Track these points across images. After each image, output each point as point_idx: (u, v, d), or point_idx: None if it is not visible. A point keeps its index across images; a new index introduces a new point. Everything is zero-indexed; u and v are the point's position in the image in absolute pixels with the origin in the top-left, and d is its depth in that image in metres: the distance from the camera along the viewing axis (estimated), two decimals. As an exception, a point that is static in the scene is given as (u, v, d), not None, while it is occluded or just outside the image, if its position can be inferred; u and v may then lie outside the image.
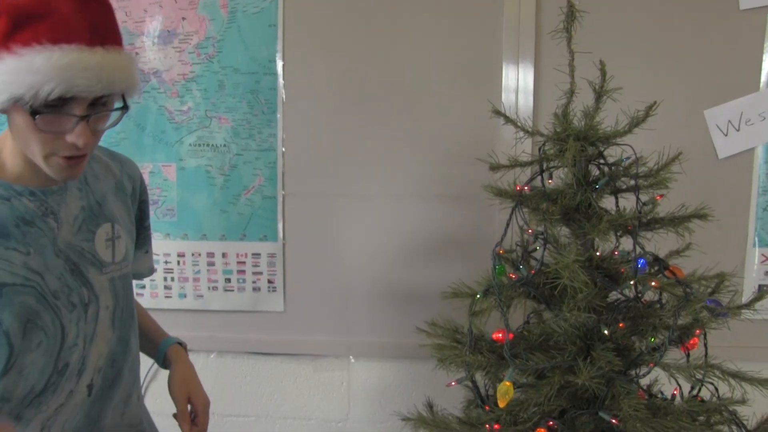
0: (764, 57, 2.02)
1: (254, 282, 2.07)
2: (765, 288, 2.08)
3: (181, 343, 1.46)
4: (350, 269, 2.05)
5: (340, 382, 2.14)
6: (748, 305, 1.31)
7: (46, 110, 1.00)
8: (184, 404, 1.33)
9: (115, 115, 1.10)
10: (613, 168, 1.31)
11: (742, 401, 1.40)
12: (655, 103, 1.30)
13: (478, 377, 1.44)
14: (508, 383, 1.26)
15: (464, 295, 1.38)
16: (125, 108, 1.09)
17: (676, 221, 1.33)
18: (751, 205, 2.07)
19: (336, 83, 2.00)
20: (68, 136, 1.03)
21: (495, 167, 1.39)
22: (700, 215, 1.32)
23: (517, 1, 1.93)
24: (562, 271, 1.20)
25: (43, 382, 1.14)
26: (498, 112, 1.38)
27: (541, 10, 1.93)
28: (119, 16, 1.98)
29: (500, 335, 1.36)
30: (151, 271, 1.52)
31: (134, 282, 1.37)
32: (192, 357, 2.03)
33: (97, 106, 1.05)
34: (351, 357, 2.12)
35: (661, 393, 1.48)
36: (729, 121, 2.03)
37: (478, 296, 1.35)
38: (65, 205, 1.18)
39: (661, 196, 1.31)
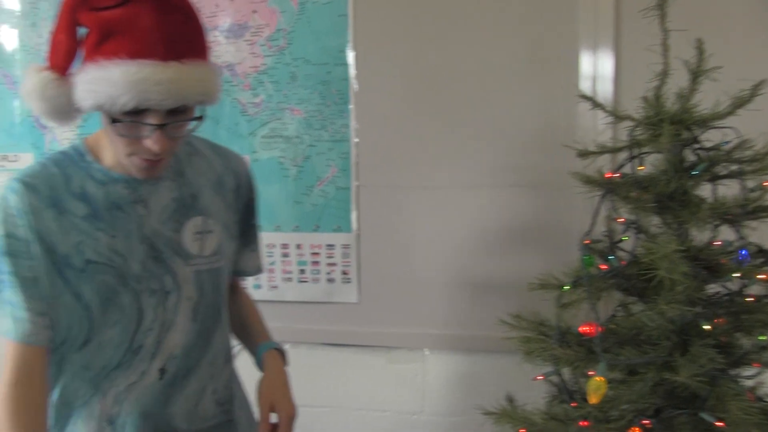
0: None
1: (328, 273, 2.06)
2: None
3: (279, 349, 1.43)
4: (425, 260, 2.01)
5: (414, 374, 2.11)
6: None
7: (124, 119, 1.07)
8: (266, 413, 1.32)
9: (192, 123, 1.15)
10: (712, 152, 1.23)
11: None
12: (762, 82, 1.21)
13: (565, 372, 1.39)
14: (600, 378, 1.20)
15: (551, 286, 1.32)
16: (200, 118, 1.15)
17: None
18: None
19: (407, 72, 1.95)
20: (145, 142, 1.10)
21: (584, 154, 1.33)
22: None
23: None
24: (659, 262, 1.13)
25: (118, 358, 1.23)
26: (585, 97, 1.31)
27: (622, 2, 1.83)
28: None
29: (588, 328, 1.30)
30: (258, 270, 1.51)
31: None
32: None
33: (176, 115, 1.10)
34: (425, 349, 2.09)
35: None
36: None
37: (566, 287, 1.29)
38: (156, 195, 1.25)
39: (768, 182, 1.23)
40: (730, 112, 1.21)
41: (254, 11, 2.00)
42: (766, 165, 1.21)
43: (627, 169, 1.30)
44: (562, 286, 1.30)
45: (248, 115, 2.04)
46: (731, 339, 1.26)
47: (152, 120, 1.08)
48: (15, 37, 2.20)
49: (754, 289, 1.26)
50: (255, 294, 2.07)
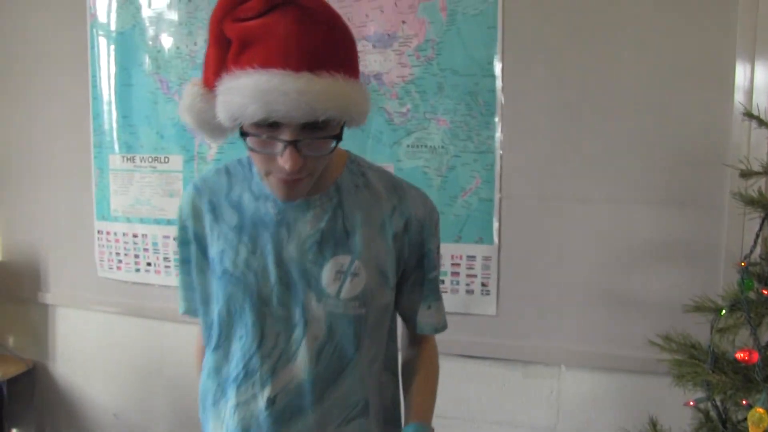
0: None
1: (468, 284, 2.09)
2: None
3: None
4: (565, 275, 2.01)
5: (549, 390, 2.10)
6: None
7: (255, 132, 1.04)
8: None
9: (332, 142, 1.07)
10: None
11: None
12: None
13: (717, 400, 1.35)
14: (761, 410, 1.17)
15: (707, 309, 1.29)
16: (338, 137, 1.07)
17: None
18: None
19: (555, 84, 1.96)
20: (279, 160, 1.05)
21: (746, 174, 1.29)
22: None
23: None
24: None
25: (236, 372, 1.23)
26: (750, 115, 1.28)
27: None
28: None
29: (745, 355, 1.26)
30: (436, 329, 1.36)
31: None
32: (403, 357, 2.09)
33: (312, 131, 1.04)
34: (562, 365, 2.08)
35: None
36: None
37: (723, 311, 1.26)
38: (303, 221, 1.20)
39: None
40: None
41: (403, 21, 2.08)
42: None
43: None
44: (719, 310, 1.26)
45: (394, 124, 2.11)
46: None
47: (284, 135, 1.03)
48: (172, 44, 2.39)
49: None
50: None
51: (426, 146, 2.08)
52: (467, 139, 2.04)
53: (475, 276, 2.08)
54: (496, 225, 2.04)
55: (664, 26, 1.87)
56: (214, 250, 1.23)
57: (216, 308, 1.24)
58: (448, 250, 2.09)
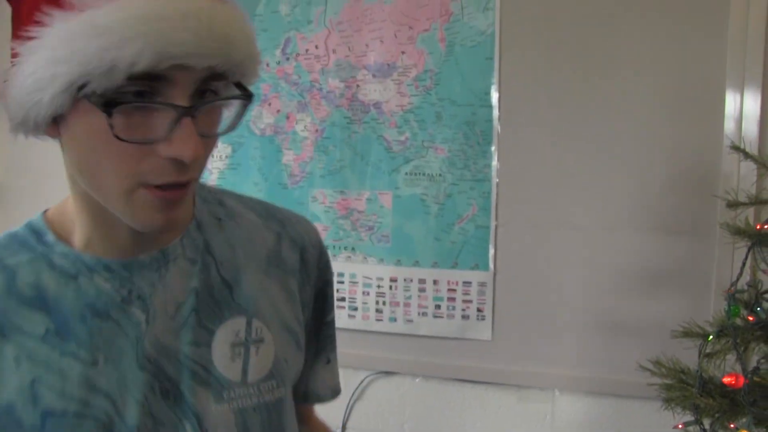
0: None
1: (464, 309, 2.14)
2: None
3: None
4: (560, 300, 2.05)
5: (543, 414, 2.14)
6: None
7: (129, 99, 0.62)
8: None
9: (233, 110, 0.72)
10: None
11: None
12: None
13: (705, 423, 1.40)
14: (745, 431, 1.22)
15: (695, 335, 1.35)
16: (248, 97, 0.69)
17: None
18: None
19: (550, 113, 2.03)
20: (162, 147, 0.64)
21: (733, 204, 1.35)
22: None
23: (743, 21, 1.85)
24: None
25: None
26: (737, 148, 1.34)
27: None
28: (342, 52, 2.16)
29: (732, 379, 1.31)
30: (335, 392, 1.03)
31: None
32: (398, 380, 2.15)
33: (206, 94, 0.67)
34: (556, 390, 2.12)
35: None
36: None
37: (710, 337, 1.31)
38: (162, 286, 0.79)
39: None
40: None
41: (403, 52, 2.14)
42: None
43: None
44: (707, 335, 1.32)
45: (393, 152, 2.17)
46: None
47: (177, 99, 0.63)
48: None
49: None
50: (390, 327, 2.18)
51: (424, 174, 2.14)
52: (464, 167, 2.10)
53: (470, 301, 2.13)
54: (491, 252, 2.09)
55: (657, 57, 1.93)
56: (10, 388, 0.72)
57: None
58: (444, 276, 2.14)
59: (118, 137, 0.62)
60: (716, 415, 1.32)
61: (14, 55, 0.64)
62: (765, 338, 1.31)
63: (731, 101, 1.88)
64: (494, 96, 2.07)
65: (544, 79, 2.03)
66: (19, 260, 0.76)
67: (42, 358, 0.73)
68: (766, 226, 1.30)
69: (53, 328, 0.74)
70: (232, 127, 0.72)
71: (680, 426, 1.37)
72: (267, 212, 0.92)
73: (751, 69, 1.86)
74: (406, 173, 2.16)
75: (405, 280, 2.17)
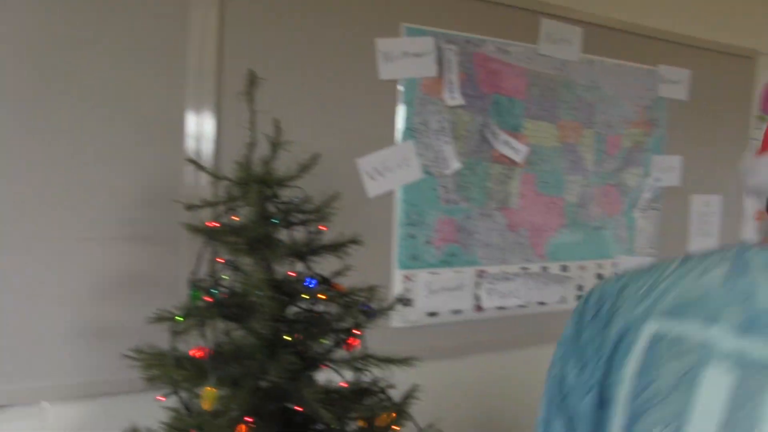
0: (396, 117, 2.55)
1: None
2: (402, 297, 2.59)
3: None
4: (39, 312, 2.06)
5: (33, 429, 2.12)
6: (390, 307, 1.73)
7: None
8: None
9: None
10: (286, 206, 1.64)
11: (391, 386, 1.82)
12: (317, 154, 1.66)
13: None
14: (211, 389, 1.50)
15: (166, 318, 1.58)
16: None
17: (336, 247, 1.69)
18: (393, 235, 2.58)
19: (29, 137, 2.02)
20: None
21: (190, 207, 1.63)
22: (355, 241, 1.71)
23: (200, 54, 2.17)
24: (252, 289, 1.49)
25: None
26: (192, 161, 1.63)
27: (223, 69, 2.21)
28: None
29: (199, 352, 1.59)
30: None
31: None
32: None
33: None
34: (45, 402, 2.10)
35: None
36: (374, 168, 2.53)
37: (179, 318, 1.57)
38: None
39: (325, 227, 1.67)
40: (297, 175, 1.63)
41: None
42: (321, 215, 1.65)
43: (225, 219, 1.64)
44: (175, 317, 1.57)
45: None
46: (307, 347, 1.66)
47: None
48: None
49: (321, 308, 1.69)
50: None
51: None
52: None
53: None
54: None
55: (128, 85, 2.10)
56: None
57: None
58: None
59: None
60: (189, 384, 1.58)
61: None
62: (221, 315, 1.62)
63: (191, 122, 2.18)
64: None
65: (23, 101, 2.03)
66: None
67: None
68: (214, 224, 1.61)
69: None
70: None
71: (161, 398, 1.60)
72: None
73: (206, 95, 2.19)
74: None
75: None
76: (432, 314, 2.69)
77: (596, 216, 3.11)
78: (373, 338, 2.47)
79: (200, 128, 2.19)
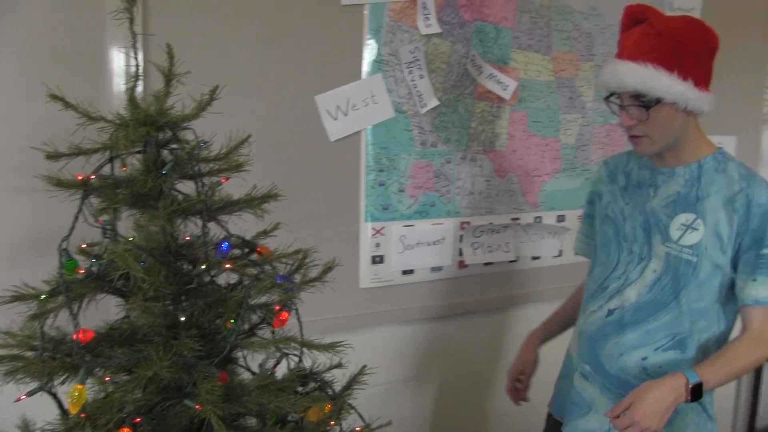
0: (364, 48, 2.12)
1: None
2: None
3: (693, 384, 1.40)
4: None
5: None
6: (319, 278, 1.33)
7: (612, 100, 1.54)
8: (624, 403, 1.44)
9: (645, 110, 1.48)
10: (179, 152, 1.23)
11: (338, 366, 1.45)
12: (217, 86, 1.24)
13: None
14: (78, 386, 1.13)
15: (27, 297, 1.20)
16: (646, 106, 1.48)
17: (251, 203, 1.29)
18: (361, 183, 2.17)
19: None
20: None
21: (53, 156, 1.23)
22: (272, 195, 1.30)
23: None
24: (120, 260, 1.10)
25: (593, 289, 1.73)
26: (55, 97, 1.21)
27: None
28: None
29: (80, 335, 1.22)
30: (756, 301, 1.49)
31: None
32: None
33: (635, 100, 1.49)
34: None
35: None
36: (337, 106, 2.10)
37: (44, 297, 1.19)
38: (666, 185, 1.61)
39: (227, 179, 1.27)
40: (195, 115, 1.22)
41: None
42: (233, 164, 1.25)
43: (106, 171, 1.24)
44: (40, 296, 1.19)
45: None
46: (214, 326, 1.28)
47: (623, 101, 1.52)
48: None
49: (230, 279, 1.30)
50: None
51: None
52: None
53: None
54: None
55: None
56: (604, 202, 1.77)
57: (596, 242, 1.80)
58: None
59: (613, 112, 1.57)
60: (66, 375, 1.21)
61: None
62: (103, 289, 1.23)
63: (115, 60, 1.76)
64: None
65: None
66: (635, 155, 1.72)
67: (615, 195, 1.73)
68: (92, 177, 1.20)
69: (625, 185, 1.72)
70: (645, 118, 1.50)
71: (23, 397, 1.21)
72: (746, 176, 1.52)
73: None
74: None
75: None
76: (407, 272, 2.30)
77: (596, 159, 2.67)
78: (338, 301, 2.11)
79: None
